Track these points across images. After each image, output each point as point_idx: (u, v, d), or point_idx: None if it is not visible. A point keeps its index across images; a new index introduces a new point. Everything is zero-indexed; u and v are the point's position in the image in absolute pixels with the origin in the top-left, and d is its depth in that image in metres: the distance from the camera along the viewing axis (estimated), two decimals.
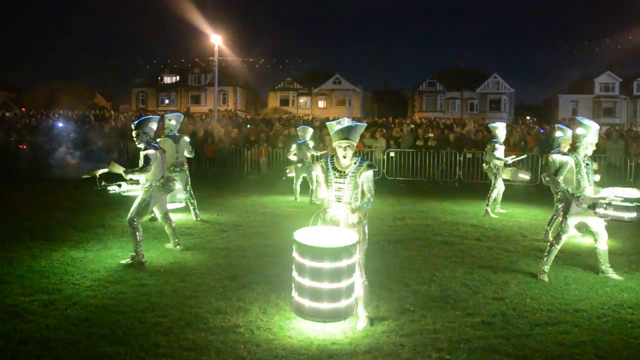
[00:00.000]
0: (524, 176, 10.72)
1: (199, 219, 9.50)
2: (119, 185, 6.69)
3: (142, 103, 59.95)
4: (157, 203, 6.93)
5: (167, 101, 59.97)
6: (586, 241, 8.17)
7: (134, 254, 6.61)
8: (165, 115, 9.80)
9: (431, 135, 17.99)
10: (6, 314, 4.77)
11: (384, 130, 19.42)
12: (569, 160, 6.14)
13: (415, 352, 4.19)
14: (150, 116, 7.12)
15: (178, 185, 9.61)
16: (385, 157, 16.81)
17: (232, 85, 57.87)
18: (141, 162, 6.64)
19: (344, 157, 4.61)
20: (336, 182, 4.67)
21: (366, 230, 4.78)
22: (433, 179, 16.34)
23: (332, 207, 4.72)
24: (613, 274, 6.22)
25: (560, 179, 6.16)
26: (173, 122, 9.46)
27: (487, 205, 10.49)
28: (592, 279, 6.16)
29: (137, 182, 6.77)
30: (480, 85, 57.64)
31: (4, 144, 19.30)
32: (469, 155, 16.21)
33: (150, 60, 61.31)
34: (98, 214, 9.64)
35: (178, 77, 60.36)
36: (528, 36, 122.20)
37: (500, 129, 10.52)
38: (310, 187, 11.68)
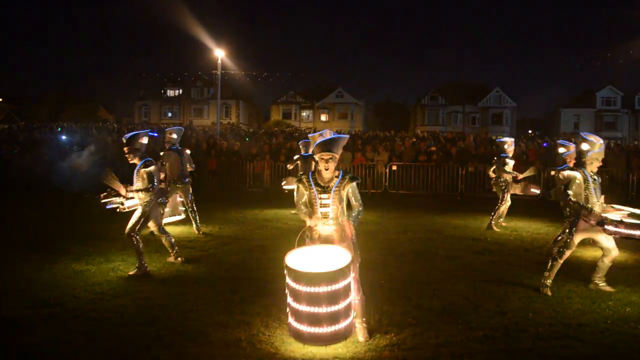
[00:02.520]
0: (535, 190, 10.73)
1: (200, 232, 9.51)
2: (122, 203, 6.65)
3: (145, 116, 60.23)
4: (155, 216, 6.93)
5: (170, 114, 60.23)
6: (588, 254, 8.16)
7: (138, 265, 6.63)
8: (166, 129, 9.96)
9: (433, 148, 18.01)
10: (7, 327, 4.77)
11: (387, 144, 19.45)
12: (577, 175, 6.10)
13: None
14: (139, 131, 7.03)
15: (179, 199, 9.67)
16: (387, 170, 16.83)
17: (234, 99, 58.16)
18: (145, 181, 6.63)
19: (326, 169, 4.52)
20: (320, 198, 4.56)
21: (356, 245, 4.71)
22: (435, 192, 16.34)
23: (319, 225, 4.60)
24: (605, 287, 6.21)
25: (570, 193, 6.12)
26: (174, 136, 9.56)
27: (492, 219, 10.51)
28: (594, 293, 6.14)
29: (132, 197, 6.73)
30: (482, 99, 57.82)
31: (9, 157, 19.36)
32: (471, 169, 16.21)
33: (154, 73, 61.57)
34: (100, 226, 9.65)
35: (181, 90, 60.69)
36: (530, 50, 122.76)
37: (508, 144, 10.59)
38: None
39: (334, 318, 4.12)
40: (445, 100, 58.01)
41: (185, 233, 9.46)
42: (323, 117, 59.19)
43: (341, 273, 4.13)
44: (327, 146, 4.52)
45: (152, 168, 6.67)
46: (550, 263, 6.26)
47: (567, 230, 6.28)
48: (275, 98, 60.86)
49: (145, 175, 6.64)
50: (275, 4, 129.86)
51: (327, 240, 4.57)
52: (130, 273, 6.58)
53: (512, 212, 11.20)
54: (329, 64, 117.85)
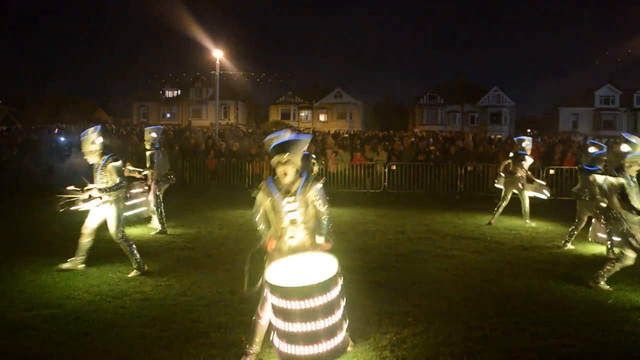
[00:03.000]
0: (547, 193, 10.83)
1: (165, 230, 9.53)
2: (101, 197, 6.61)
3: (144, 117, 60.22)
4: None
5: (168, 115, 60.20)
6: (588, 253, 8.18)
7: (136, 265, 6.64)
8: (145, 129, 10.14)
9: (432, 148, 18.01)
10: (7, 329, 4.77)
11: (386, 144, 19.46)
12: (622, 181, 5.94)
13: None
14: (88, 133, 6.75)
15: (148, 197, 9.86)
16: (386, 170, 16.83)
17: (233, 99, 58.14)
18: (113, 175, 6.61)
19: (285, 174, 4.03)
20: (287, 204, 4.09)
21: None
22: (434, 192, 16.34)
23: (288, 233, 4.13)
24: (604, 286, 6.21)
25: (615, 200, 6.01)
26: (154, 135, 9.72)
27: (526, 217, 10.77)
28: (594, 292, 6.14)
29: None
30: (480, 99, 57.86)
31: (7, 159, 19.35)
32: (470, 169, 16.22)
33: (152, 74, 61.52)
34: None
35: (179, 91, 60.66)
36: (529, 50, 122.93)
37: (527, 142, 10.87)
38: None
39: (331, 331, 3.76)
40: (444, 100, 58.05)
41: (184, 235, 9.46)
42: (322, 117, 59.20)
43: (334, 280, 3.75)
44: (283, 148, 4.03)
45: (119, 163, 6.69)
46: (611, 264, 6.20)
47: (622, 238, 6.11)
48: (274, 98, 60.88)
49: (113, 170, 6.62)
50: (273, 4, 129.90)
51: (298, 250, 4.12)
52: (130, 275, 6.58)
53: (511, 211, 11.22)
54: (328, 63, 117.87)
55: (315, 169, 12.17)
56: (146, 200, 9.82)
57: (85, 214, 6.91)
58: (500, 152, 17.68)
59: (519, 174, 10.65)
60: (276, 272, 3.88)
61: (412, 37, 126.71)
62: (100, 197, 6.56)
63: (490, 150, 18.30)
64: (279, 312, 3.74)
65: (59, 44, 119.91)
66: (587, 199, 8.04)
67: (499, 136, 32.75)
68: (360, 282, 6.15)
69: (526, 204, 10.76)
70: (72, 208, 6.67)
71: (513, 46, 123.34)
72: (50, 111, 53.73)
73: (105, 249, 8.02)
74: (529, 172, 10.75)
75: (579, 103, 55.53)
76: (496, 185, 11.54)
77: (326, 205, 4.23)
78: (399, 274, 6.94)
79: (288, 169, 4.04)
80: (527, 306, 5.66)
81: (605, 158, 8.26)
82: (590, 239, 8.85)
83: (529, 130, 45.37)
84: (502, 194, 10.91)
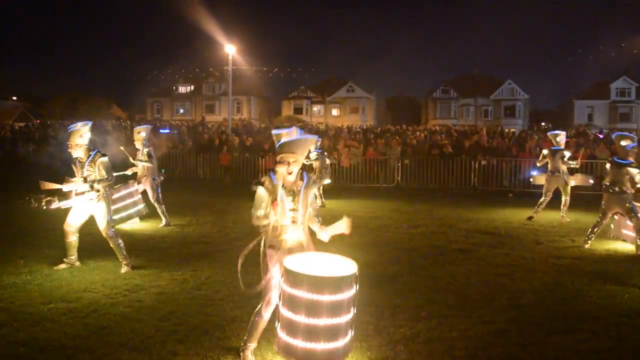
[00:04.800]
0: (591, 181, 11.01)
1: (170, 223, 9.71)
2: (98, 191, 6.62)
3: (157, 112, 60.56)
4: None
5: (181, 110, 60.50)
6: (602, 249, 8.11)
7: (125, 262, 6.67)
8: (135, 128, 10.38)
9: (445, 142, 17.91)
10: (26, 322, 4.85)
11: (398, 138, 19.38)
12: None
13: None
14: (78, 126, 6.75)
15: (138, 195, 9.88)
16: (399, 164, 16.78)
17: (246, 94, 58.26)
18: (101, 171, 6.60)
19: (289, 173, 4.00)
20: (289, 202, 4.07)
21: None
22: (448, 186, 16.27)
23: (289, 232, 4.12)
24: None
25: None
26: (143, 134, 9.91)
27: (563, 211, 10.71)
28: (609, 287, 6.10)
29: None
30: (494, 92, 57.41)
31: (24, 154, 19.59)
32: (483, 163, 16.12)
33: (165, 70, 61.84)
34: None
35: (192, 87, 60.93)
36: (543, 42, 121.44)
37: (561, 137, 10.85)
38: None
39: (349, 326, 3.70)
40: (457, 94, 57.69)
41: (198, 230, 9.52)
42: (334, 112, 59.11)
43: (356, 276, 3.72)
44: (290, 147, 4.01)
45: (107, 158, 6.70)
46: None
47: None
48: (287, 93, 60.88)
49: (102, 165, 6.63)
50: None
51: (295, 249, 4.10)
52: (123, 271, 6.59)
53: (525, 205, 11.16)
54: (340, 58, 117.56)
55: (328, 162, 12.26)
56: (139, 199, 9.75)
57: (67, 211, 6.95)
58: (514, 145, 17.54)
59: (561, 170, 10.55)
60: (301, 264, 3.77)
61: (425, 29, 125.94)
62: (98, 190, 6.55)
63: (504, 144, 18.15)
64: (303, 306, 3.55)
65: (73, 41, 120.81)
66: (617, 191, 7.90)
67: (513, 130, 32.46)
68: (374, 276, 6.16)
69: (567, 198, 10.70)
70: (63, 205, 6.70)
71: (527, 38, 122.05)
72: (65, 107, 54.19)
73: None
74: (572, 164, 10.70)
75: (594, 95, 54.89)
76: (534, 183, 11.59)
77: (316, 206, 4.27)
78: (413, 268, 6.94)
79: (293, 169, 4.02)
80: (541, 301, 5.64)
81: (636, 150, 8.17)
82: (612, 235, 8.75)
83: (542, 124, 44.96)
84: (544, 189, 10.84)
